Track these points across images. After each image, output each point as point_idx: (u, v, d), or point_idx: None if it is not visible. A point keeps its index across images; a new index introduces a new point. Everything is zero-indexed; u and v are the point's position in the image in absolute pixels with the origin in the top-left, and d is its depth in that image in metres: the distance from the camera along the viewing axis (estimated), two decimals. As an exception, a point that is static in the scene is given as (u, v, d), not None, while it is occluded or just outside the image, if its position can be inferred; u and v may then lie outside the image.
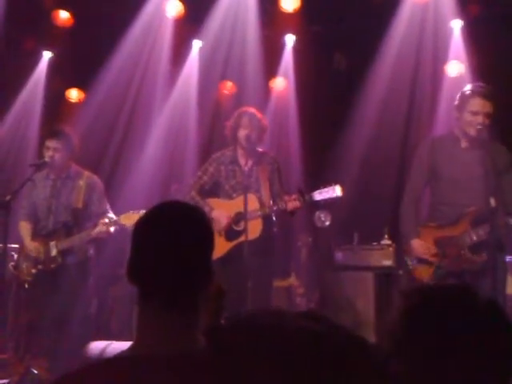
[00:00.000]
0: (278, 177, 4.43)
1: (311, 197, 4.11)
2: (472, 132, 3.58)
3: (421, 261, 3.71)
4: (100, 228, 4.17)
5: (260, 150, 4.47)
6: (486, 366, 1.07)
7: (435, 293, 1.18)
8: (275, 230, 4.40)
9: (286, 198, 4.15)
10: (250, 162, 4.26)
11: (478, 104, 3.57)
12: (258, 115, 4.43)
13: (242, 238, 4.11)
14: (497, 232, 3.36)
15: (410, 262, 3.75)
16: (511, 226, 3.40)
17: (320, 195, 4.11)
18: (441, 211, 3.72)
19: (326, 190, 4.09)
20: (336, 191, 4.07)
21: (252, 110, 4.49)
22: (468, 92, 3.66)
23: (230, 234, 4.29)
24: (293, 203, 4.09)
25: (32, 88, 6.36)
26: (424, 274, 3.68)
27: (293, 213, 4.20)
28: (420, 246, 3.68)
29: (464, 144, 3.69)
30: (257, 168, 4.35)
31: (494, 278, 3.27)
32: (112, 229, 4.20)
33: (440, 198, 3.75)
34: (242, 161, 4.33)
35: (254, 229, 4.13)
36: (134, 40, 6.02)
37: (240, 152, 4.40)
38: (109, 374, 1.22)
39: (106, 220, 4.20)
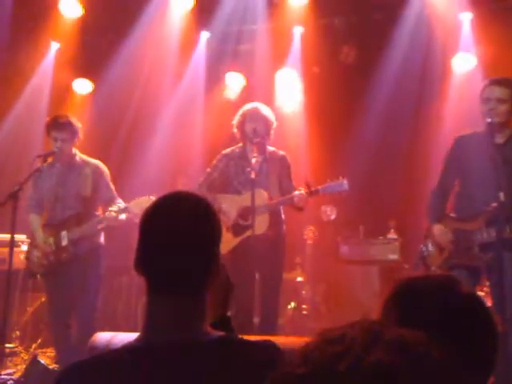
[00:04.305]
0: (287, 174, 4.43)
1: (318, 190, 4.12)
2: (487, 120, 3.53)
3: (436, 247, 3.73)
4: (109, 215, 4.16)
5: (270, 148, 4.47)
6: (463, 358, 1.02)
7: (414, 282, 1.18)
8: (285, 227, 4.40)
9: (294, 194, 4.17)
10: (259, 159, 4.25)
11: (488, 91, 3.57)
12: (264, 109, 4.42)
13: (249, 233, 4.13)
14: (505, 227, 3.33)
15: (424, 248, 3.77)
16: None
17: (327, 188, 4.13)
18: (463, 204, 3.75)
19: (333, 183, 4.13)
20: (343, 185, 4.09)
21: (257, 104, 4.48)
22: (483, 84, 3.66)
23: (237, 229, 4.30)
24: (300, 198, 4.09)
25: (39, 79, 6.36)
26: (434, 260, 3.71)
27: (301, 208, 4.22)
28: (439, 231, 3.70)
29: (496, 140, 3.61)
30: (266, 165, 4.35)
31: (500, 276, 3.25)
32: (123, 216, 4.18)
33: (464, 191, 3.77)
34: (251, 157, 4.31)
35: (261, 224, 4.14)
36: (143, 31, 6.00)
37: (249, 148, 4.38)
38: (118, 363, 1.21)
39: (115, 207, 4.19)
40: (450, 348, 0.75)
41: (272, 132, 4.44)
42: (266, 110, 4.43)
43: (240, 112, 4.48)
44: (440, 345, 0.69)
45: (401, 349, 0.66)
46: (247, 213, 4.22)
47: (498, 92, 3.52)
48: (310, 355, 0.68)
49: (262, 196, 4.19)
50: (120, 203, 4.29)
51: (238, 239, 4.28)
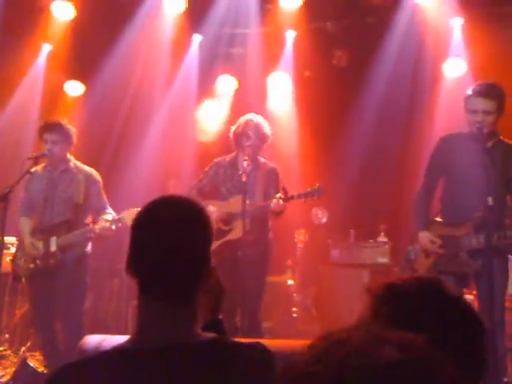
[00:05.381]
0: (274, 186, 4.49)
1: (293, 196, 4.28)
2: (474, 131, 3.55)
3: (422, 253, 3.73)
4: (103, 225, 4.13)
5: (261, 159, 4.53)
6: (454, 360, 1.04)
7: (401, 283, 1.19)
8: (270, 234, 4.47)
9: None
10: (249, 168, 4.29)
11: (474, 102, 3.55)
12: (264, 124, 4.47)
13: (228, 237, 4.32)
14: (493, 234, 3.34)
15: (412, 252, 3.77)
16: None
17: (302, 195, 4.29)
18: (449, 209, 3.72)
19: (309, 189, 4.29)
20: (317, 191, 4.25)
21: (259, 118, 4.51)
22: (467, 92, 3.65)
23: (218, 233, 4.34)
24: (275, 204, 4.21)
25: (31, 81, 6.33)
26: (421, 265, 3.70)
27: (279, 213, 4.35)
28: (425, 237, 3.68)
29: (480, 145, 3.62)
30: (255, 174, 4.41)
31: (490, 284, 3.25)
32: (114, 226, 4.16)
33: (450, 196, 3.75)
34: (241, 166, 4.38)
35: (240, 228, 4.23)
36: (135, 33, 5.99)
37: (241, 157, 4.43)
38: (108, 365, 1.22)
39: (109, 217, 4.15)
40: (442, 349, 0.77)
41: (264, 145, 4.52)
42: (264, 127, 4.49)
43: (241, 121, 4.51)
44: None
45: (403, 349, 0.70)
46: (229, 218, 4.37)
47: (485, 105, 3.50)
48: (322, 355, 0.72)
49: (240, 202, 4.25)
50: (111, 212, 4.28)
51: (216, 244, 4.32)
